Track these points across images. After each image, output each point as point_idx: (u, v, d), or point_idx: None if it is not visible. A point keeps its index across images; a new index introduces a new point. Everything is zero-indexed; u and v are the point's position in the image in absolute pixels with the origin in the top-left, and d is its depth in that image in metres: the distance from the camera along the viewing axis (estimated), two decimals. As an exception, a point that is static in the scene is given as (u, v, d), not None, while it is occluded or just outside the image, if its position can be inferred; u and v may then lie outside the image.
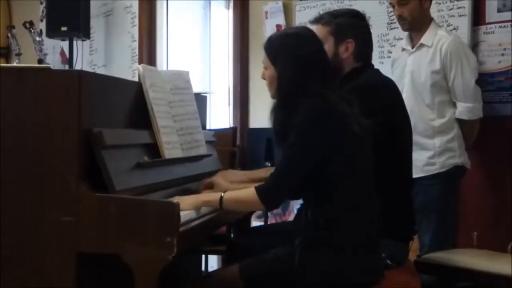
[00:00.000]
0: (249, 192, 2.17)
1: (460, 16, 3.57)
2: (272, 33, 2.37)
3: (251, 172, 2.74)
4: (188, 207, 2.13)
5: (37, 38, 4.83)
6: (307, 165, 2.13)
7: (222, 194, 2.20)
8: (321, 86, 2.19)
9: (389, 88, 2.58)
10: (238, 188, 2.33)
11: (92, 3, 5.15)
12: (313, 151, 2.12)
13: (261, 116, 4.61)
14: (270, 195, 2.15)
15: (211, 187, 2.49)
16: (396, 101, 2.59)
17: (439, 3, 3.62)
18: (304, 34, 2.29)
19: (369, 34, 2.62)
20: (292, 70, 2.20)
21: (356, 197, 2.18)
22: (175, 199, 2.02)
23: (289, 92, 2.20)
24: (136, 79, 2.49)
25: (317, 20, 2.60)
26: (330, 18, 2.56)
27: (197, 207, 2.18)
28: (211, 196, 2.24)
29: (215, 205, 2.21)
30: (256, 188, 2.14)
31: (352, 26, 2.56)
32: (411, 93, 3.30)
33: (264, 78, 2.33)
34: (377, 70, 2.66)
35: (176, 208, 1.90)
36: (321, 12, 2.71)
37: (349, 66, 2.56)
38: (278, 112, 2.23)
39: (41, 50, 4.80)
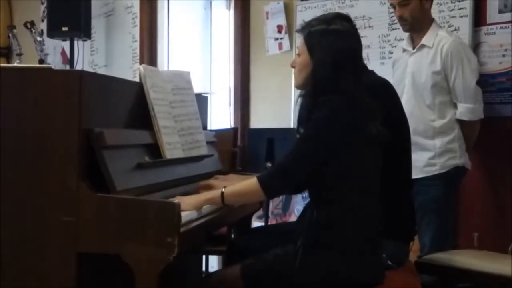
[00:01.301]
0: (250, 181, 2.17)
1: (461, 17, 3.57)
2: (312, 20, 2.31)
3: (248, 177, 2.73)
4: (189, 207, 2.13)
5: (38, 38, 4.81)
6: (315, 161, 2.13)
7: (223, 189, 2.20)
8: (352, 83, 2.19)
9: (387, 90, 2.59)
10: None
11: (93, 3, 5.15)
12: (325, 149, 2.12)
13: (262, 116, 4.61)
14: (271, 182, 2.15)
15: (208, 189, 2.47)
16: (394, 102, 2.59)
17: (440, 4, 3.62)
18: (346, 30, 2.27)
19: (359, 36, 2.62)
20: (329, 63, 2.19)
21: (360, 198, 2.18)
22: (176, 200, 2.02)
23: (322, 82, 2.19)
24: (137, 79, 2.49)
25: (306, 27, 2.58)
26: None
27: (198, 207, 2.17)
28: (211, 194, 2.24)
29: (218, 201, 2.20)
30: (258, 176, 2.15)
31: None
32: (411, 94, 3.30)
33: (293, 66, 2.32)
34: (372, 72, 2.65)
35: (177, 208, 1.89)
36: (322, 13, 2.69)
37: None
38: (308, 98, 2.23)
39: (42, 50, 4.79)
